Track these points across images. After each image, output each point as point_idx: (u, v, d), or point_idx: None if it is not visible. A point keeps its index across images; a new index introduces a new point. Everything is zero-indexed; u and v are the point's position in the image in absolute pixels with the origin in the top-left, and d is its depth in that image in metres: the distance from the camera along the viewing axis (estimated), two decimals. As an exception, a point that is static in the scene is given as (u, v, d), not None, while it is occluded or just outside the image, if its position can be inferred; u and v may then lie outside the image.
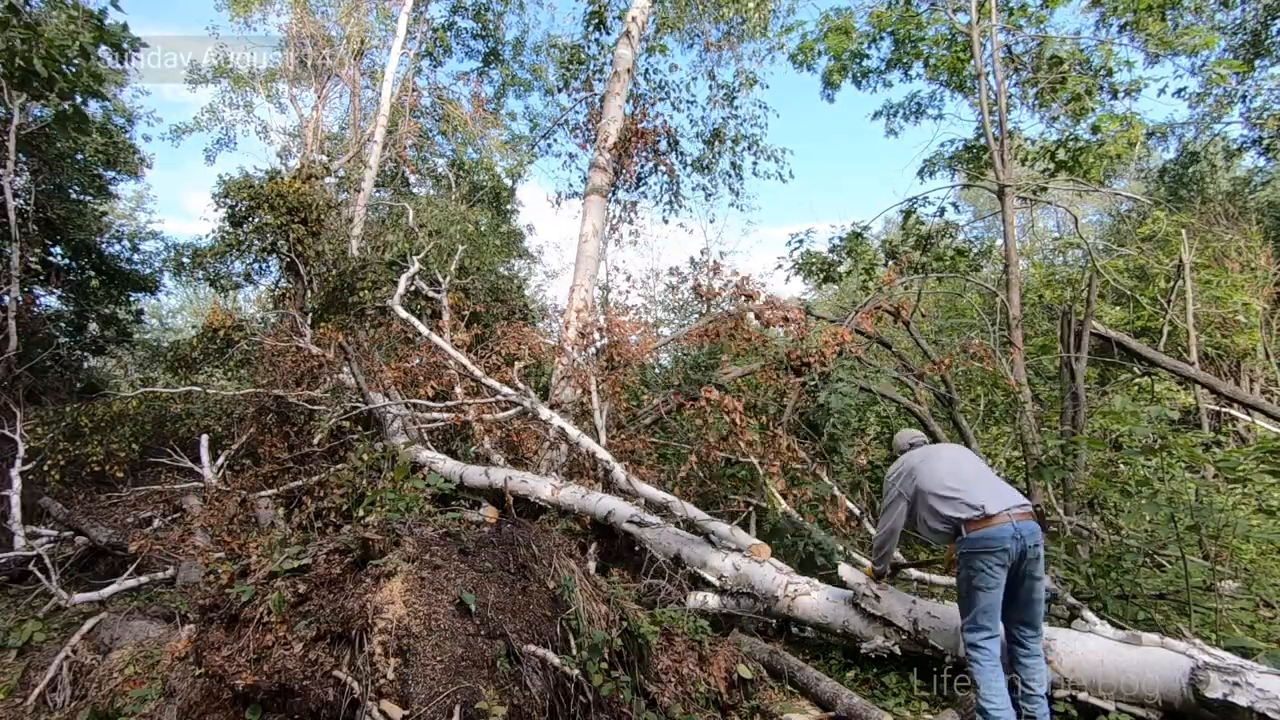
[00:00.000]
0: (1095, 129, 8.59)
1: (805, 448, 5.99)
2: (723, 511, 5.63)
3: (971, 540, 2.95)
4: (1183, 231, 9.32)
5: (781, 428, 5.83)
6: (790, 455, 5.71)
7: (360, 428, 6.85)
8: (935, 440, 5.71)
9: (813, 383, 5.96)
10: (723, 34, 12.04)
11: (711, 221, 20.05)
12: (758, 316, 6.54)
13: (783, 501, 5.23)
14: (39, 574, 5.20)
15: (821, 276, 9.95)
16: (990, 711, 2.81)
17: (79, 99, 5.04)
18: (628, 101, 9.24)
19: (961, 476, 3.13)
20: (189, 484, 7.23)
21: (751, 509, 5.40)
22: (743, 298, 6.67)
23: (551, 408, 6.18)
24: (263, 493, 6.62)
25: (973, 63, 8.40)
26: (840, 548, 4.94)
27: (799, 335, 6.45)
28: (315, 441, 6.71)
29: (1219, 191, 12.92)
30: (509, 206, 18.39)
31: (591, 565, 4.59)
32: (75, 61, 4.70)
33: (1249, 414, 8.79)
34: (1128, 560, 4.49)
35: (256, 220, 10.01)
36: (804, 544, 4.87)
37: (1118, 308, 11.27)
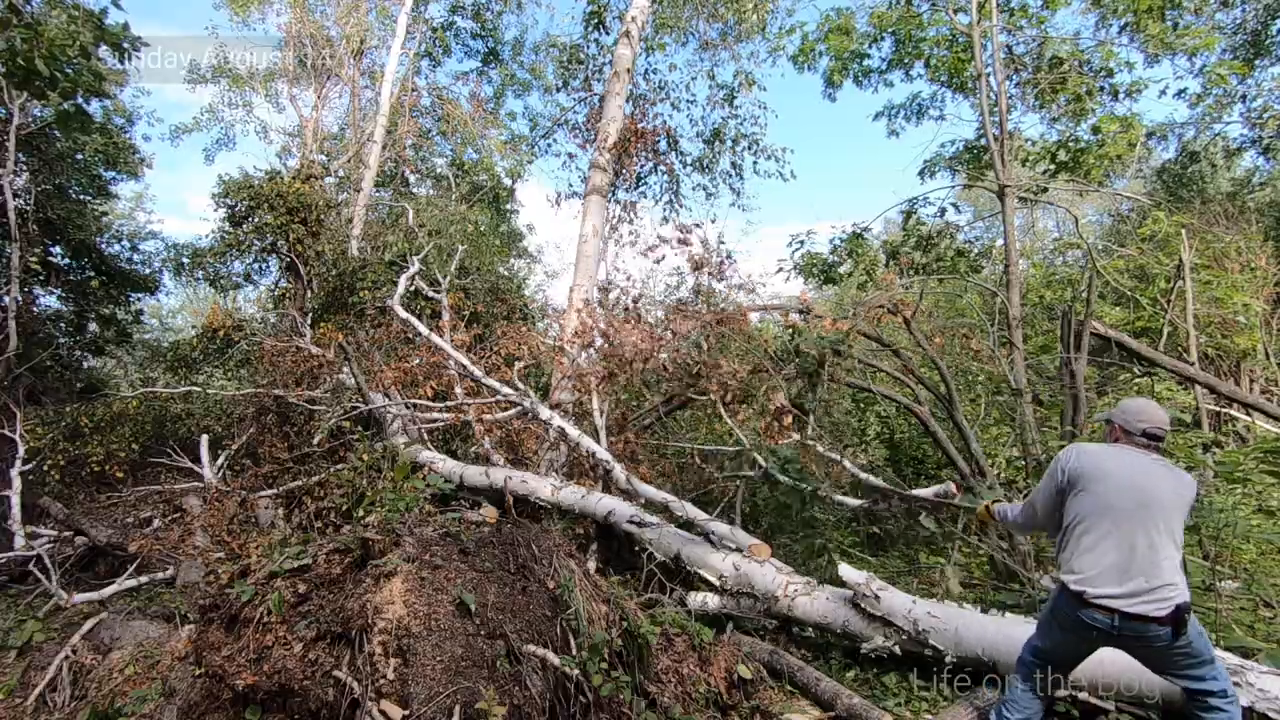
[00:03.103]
0: (1096, 130, 8.59)
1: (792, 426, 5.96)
2: (712, 491, 5.62)
3: (1060, 595, 2.59)
4: (1183, 232, 9.31)
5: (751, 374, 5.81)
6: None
7: (360, 428, 6.85)
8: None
9: (804, 366, 5.94)
10: (720, 34, 12.04)
11: (713, 221, 19.99)
12: (696, 266, 6.88)
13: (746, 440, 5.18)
14: (39, 574, 5.21)
15: (822, 278, 9.95)
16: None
17: (81, 98, 5.04)
18: (627, 101, 9.24)
19: (1115, 524, 2.49)
20: (189, 484, 7.23)
21: (740, 485, 5.36)
22: (688, 250, 6.98)
23: (551, 408, 6.17)
24: (263, 493, 6.62)
25: (973, 63, 8.40)
26: (815, 488, 4.85)
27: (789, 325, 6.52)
28: (315, 441, 6.71)
29: (1219, 191, 12.91)
30: (509, 206, 18.39)
31: (591, 565, 4.60)
32: (76, 61, 4.69)
33: (1249, 414, 8.79)
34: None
35: (256, 220, 10.03)
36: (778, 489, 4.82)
37: (1118, 308, 11.27)
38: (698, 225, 7.12)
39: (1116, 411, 2.74)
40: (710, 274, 6.85)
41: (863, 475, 5.29)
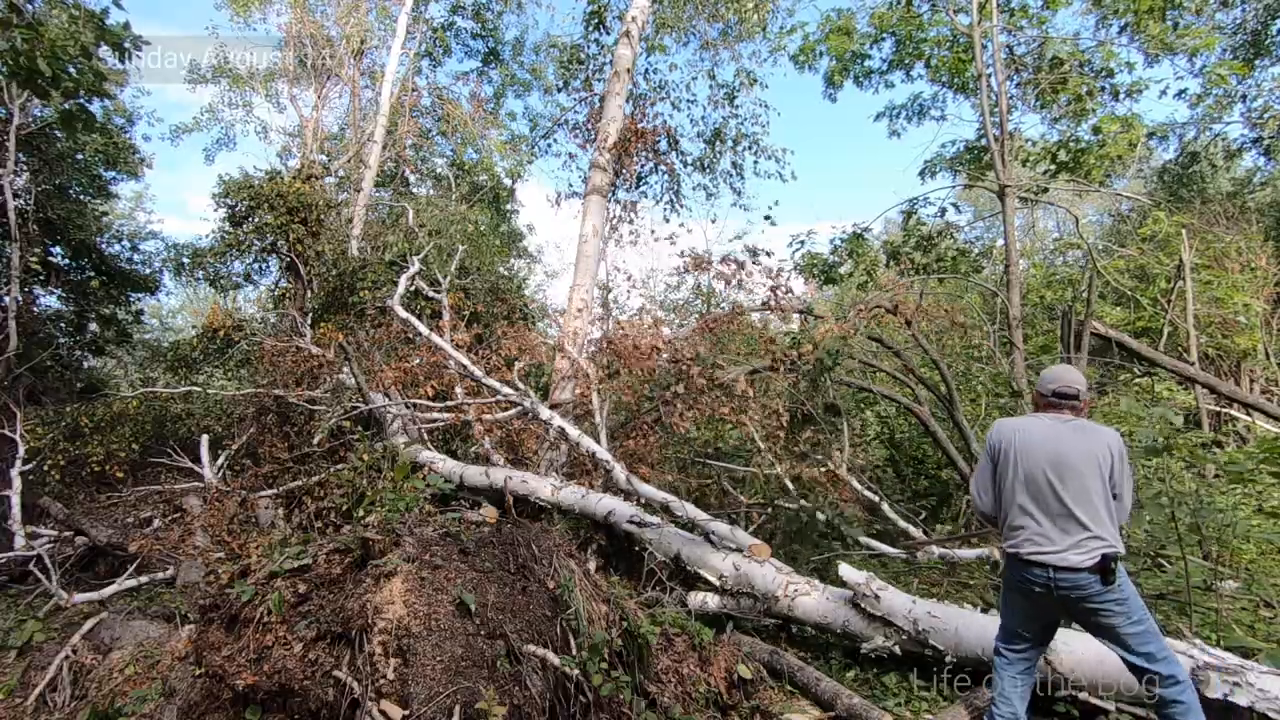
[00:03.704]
0: (1096, 130, 8.59)
1: (804, 437, 5.97)
2: (724, 512, 5.62)
3: (1006, 563, 2.80)
4: (1183, 232, 9.31)
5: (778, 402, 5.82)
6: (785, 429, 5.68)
7: (360, 428, 6.86)
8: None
9: (806, 369, 5.96)
10: (721, 33, 12.03)
11: (713, 221, 20.06)
12: (722, 272, 6.83)
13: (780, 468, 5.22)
14: (39, 574, 5.20)
15: (823, 279, 9.95)
16: (995, 716, 2.77)
17: (83, 98, 5.04)
18: (627, 101, 9.22)
19: (1033, 488, 2.68)
20: (189, 484, 7.23)
21: (758, 510, 5.37)
22: (701, 265, 6.95)
23: (551, 408, 6.17)
24: (263, 493, 6.62)
25: (974, 64, 8.40)
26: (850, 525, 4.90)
27: (800, 327, 6.52)
28: (315, 441, 6.71)
29: (1219, 191, 12.91)
30: (509, 206, 18.39)
31: (591, 565, 4.59)
32: (78, 60, 4.69)
33: (1249, 414, 8.79)
34: (1128, 561, 4.48)
35: (256, 220, 10.02)
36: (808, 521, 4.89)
37: (1118, 308, 11.27)
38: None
39: (1037, 381, 2.95)
40: (727, 280, 6.79)
41: (902, 523, 5.33)
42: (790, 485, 5.34)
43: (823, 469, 5.34)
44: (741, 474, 6.04)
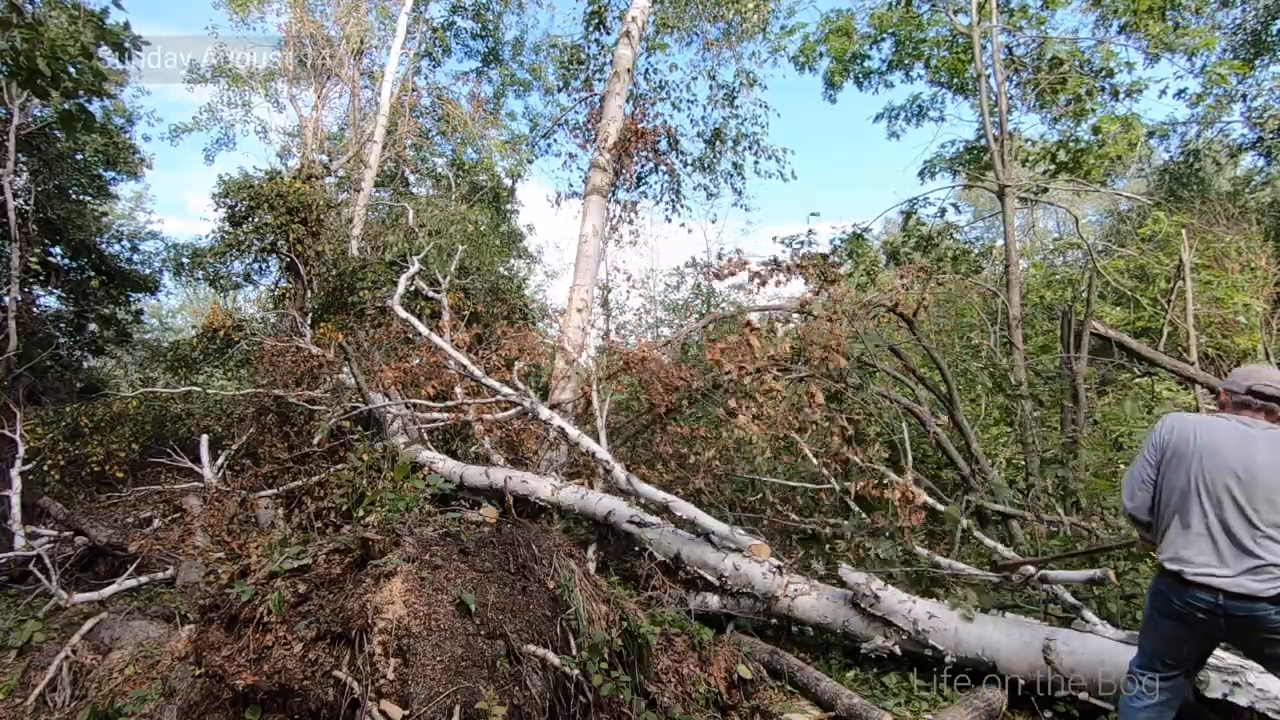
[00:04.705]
0: (1096, 130, 8.60)
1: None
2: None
3: (1157, 581, 2.43)
4: (1183, 232, 9.32)
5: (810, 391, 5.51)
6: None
7: (360, 428, 6.86)
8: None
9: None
10: (722, 33, 12.04)
11: (713, 221, 20.04)
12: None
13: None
14: (39, 574, 5.20)
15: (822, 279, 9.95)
16: None
17: (83, 98, 5.04)
18: (628, 101, 9.23)
19: (1210, 499, 2.30)
20: (189, 484, 7.23)
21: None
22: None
23: (551, 408, 6.17)
24: (263, 493, 6.62)
25: (973, 64, 8.41)
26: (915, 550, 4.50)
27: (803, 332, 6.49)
28: (315, 441, 6.71)
29: (1219, 192, 12.91)
30: (509, 206, 18.41)
31: (591, 565, 4.60)
32: (78, 60, 4.70)
33: (1249, 414, 8.76)
34: (1119, 557, 4.48)
35: (256, 220, 10.03)
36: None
37: (1118, 308, 11.27)
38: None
39: (1227, 379, 2.52)
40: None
41: (990, 543, 4.79)
42: (853, 505, 5.11)
43: (887, 483, 4.95)
44: (792, 496, 5.82)
